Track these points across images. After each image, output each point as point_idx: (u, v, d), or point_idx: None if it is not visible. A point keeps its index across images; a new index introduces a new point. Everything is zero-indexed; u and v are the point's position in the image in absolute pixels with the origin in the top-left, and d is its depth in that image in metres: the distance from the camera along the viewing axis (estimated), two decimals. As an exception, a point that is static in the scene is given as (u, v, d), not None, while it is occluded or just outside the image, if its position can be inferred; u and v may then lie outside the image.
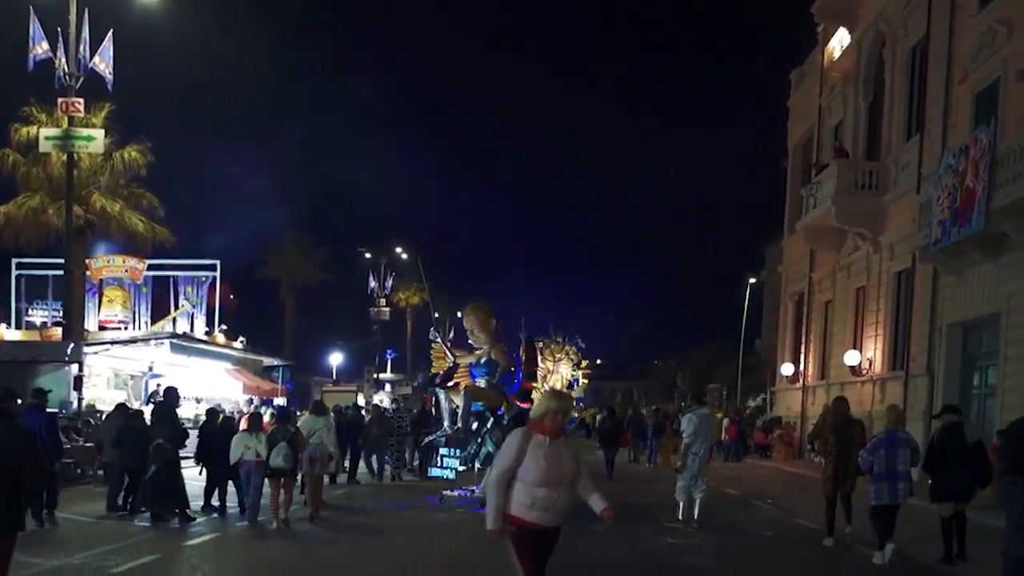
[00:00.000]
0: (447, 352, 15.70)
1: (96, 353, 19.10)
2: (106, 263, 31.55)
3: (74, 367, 19.55)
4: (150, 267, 32.03)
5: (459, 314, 17.48)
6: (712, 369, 51.29)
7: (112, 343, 19.68)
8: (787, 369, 28.41)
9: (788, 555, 10.54)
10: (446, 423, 14.92)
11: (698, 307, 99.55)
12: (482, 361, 14.75)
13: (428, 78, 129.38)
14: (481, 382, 14.67)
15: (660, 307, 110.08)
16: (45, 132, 22.83)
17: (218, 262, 33.55)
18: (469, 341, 15.39)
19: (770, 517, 13.74)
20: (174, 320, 32.34)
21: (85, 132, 22.59)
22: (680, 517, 11.45)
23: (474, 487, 14.37)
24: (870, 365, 22.02)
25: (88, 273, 30.90)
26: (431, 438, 16.11)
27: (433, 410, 17.96)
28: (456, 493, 14.45)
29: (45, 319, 30.29)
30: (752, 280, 41.78)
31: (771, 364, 44.67)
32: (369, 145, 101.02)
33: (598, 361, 66.41)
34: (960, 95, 18.01)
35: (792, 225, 29.17)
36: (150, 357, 22.22)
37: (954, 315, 17.92)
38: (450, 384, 15.13)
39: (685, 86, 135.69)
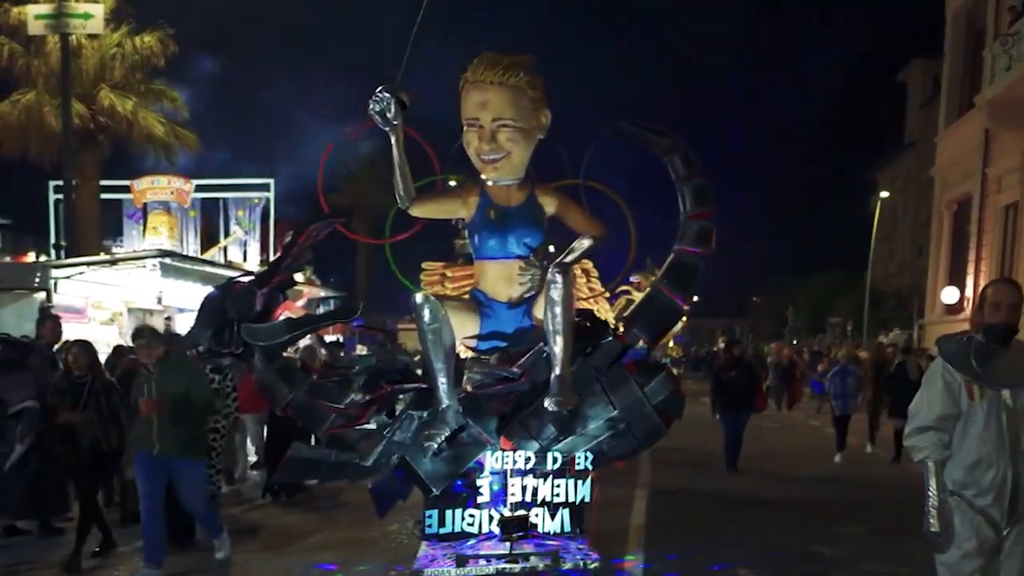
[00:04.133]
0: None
1: (69, 278, 14.85)
2: (150, 184, 28.15)
3: (40, 295, 14.92)
4: (198, 188, 28.47)
5: None
6: (829, 300, 45.99)
7: (87, 263, 15.41)
8: (949, 296, 22.58)
9: None
10: (443, 382, 4.41)
11: (797, 240, 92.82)
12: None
13: None
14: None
15: (757, 242, 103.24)
16: (35, 10, 18.72)
17: (271, 181, 29.83)
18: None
19: None
20: (224, 249, 28.79)
21: (81, 8, 18.41)
22: None
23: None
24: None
25: (132, 197, 27.78)
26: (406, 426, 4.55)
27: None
28: None
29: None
30: (885, 193, 35.94)
31: (888, 295, 38.92)
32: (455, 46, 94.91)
33: (695, 299, 61.36)
34: None
35: (951, 115, 23.58)
36: (156, 286, 17.67)
37: None
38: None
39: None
